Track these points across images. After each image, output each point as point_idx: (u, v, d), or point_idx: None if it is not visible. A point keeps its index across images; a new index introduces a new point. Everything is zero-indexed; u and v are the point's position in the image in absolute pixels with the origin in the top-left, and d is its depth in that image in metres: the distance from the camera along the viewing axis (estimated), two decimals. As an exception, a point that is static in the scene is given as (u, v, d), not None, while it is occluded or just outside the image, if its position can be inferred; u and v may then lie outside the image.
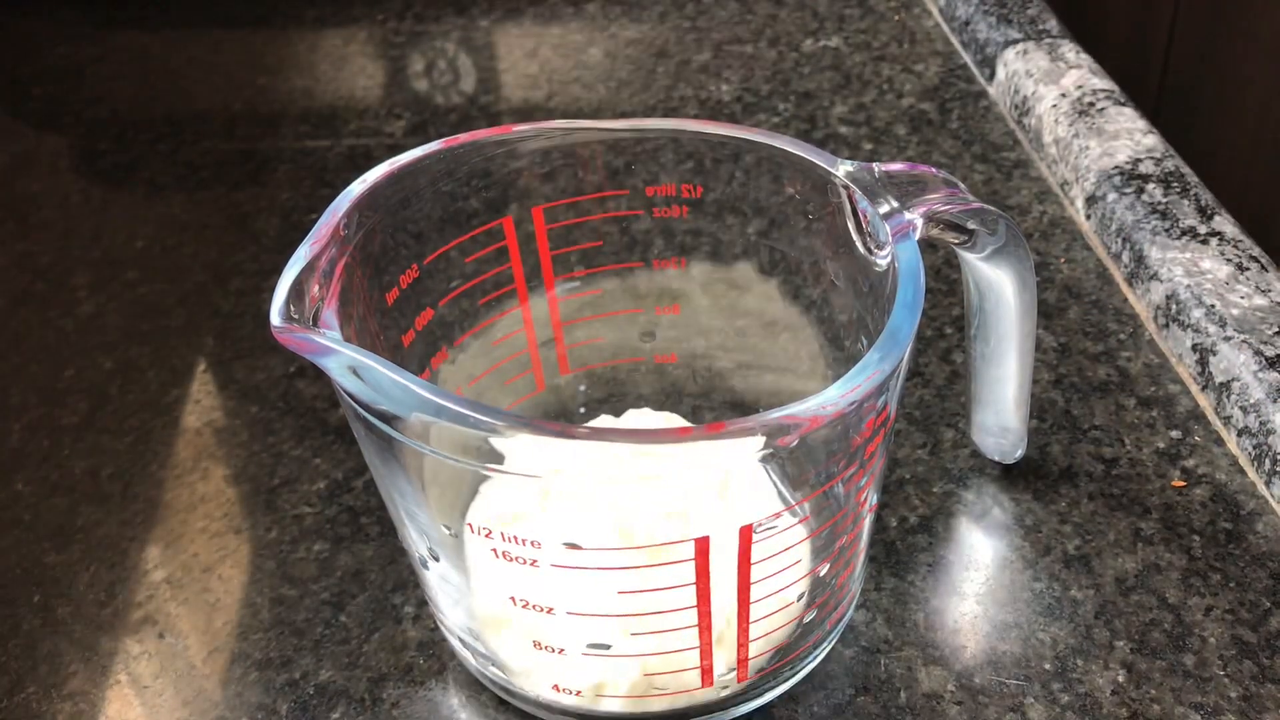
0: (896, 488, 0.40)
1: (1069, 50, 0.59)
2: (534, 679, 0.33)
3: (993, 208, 0.33)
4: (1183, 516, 0.39)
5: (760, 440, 0.27)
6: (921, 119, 0.60)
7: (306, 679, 0.36)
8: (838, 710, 0.34)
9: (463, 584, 0.33)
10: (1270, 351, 0.41)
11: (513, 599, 0.31)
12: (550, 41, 0.68)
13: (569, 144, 0.36)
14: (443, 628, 0.35)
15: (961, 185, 0.33)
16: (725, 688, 0.33)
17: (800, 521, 0.32)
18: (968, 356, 0.38)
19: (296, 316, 0.28)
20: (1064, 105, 0.55)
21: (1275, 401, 0.39)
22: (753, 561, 0.30)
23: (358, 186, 0.32)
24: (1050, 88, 0.56)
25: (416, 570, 0.34)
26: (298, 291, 0.29)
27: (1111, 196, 0.50)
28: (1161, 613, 0.36)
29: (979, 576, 0.38)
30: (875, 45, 0.66)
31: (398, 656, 0.36)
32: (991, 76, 0.61)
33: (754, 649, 0.32)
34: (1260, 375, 0.40)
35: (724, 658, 0.32)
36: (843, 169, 0.33)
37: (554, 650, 0.32)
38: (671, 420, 0.39)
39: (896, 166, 0.33)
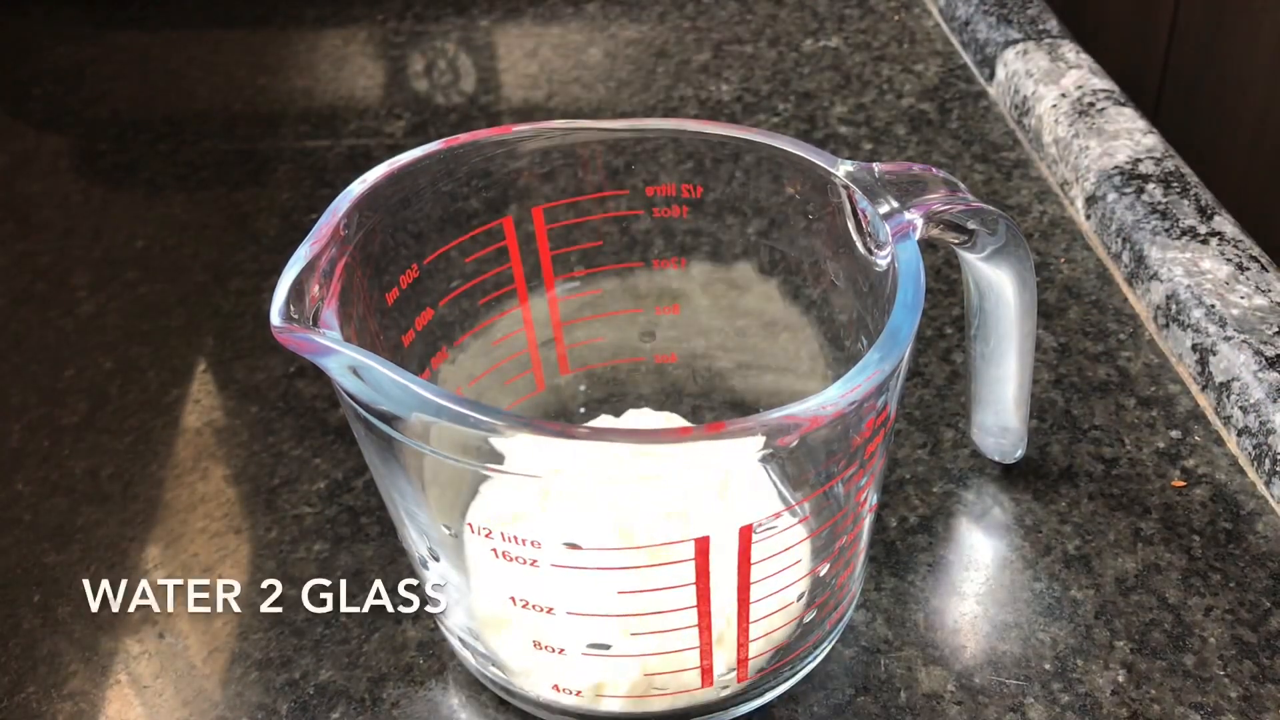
0: (896, 488, 0.40)
1: (1069, 50, 0.59)
2: (534, 679, 0.33)
3: (993, 208, 0.33)
4: (1183, 516, 0.39)
5: (760, 440, 0.27)
6: (921, 119, 0.60)
7: (306, 679, 0.36)
8: (838, 710, 0.34)
9: (463, 584, 0.33)
10: (1270, 351, 0.41)
11: (513, 599, 0.31)
12: (550, 41, 0.68)
13: (569, 144, 0.36)
14: (443, 628, 0.35)
15: (961, 185, 0.33)
16: (725, 688, 0.33)
17: (800, 521, 0.32)
18: (968, 356, 0.38)
19: (296, 316, 0.28)
20: (1064, 105, 0.55)
21: (1275, 401, 0.39)
22: (753, 561, 0.30)
23: (358, 186, 0.32)
24: (1050, 88, 0.56)
25: (416, 570, 0.34)
26: (298, 291, 0.29)
27: (1111, 196, 0.50)
28: (1161, 613, 0.36)
29: (979, 576, 0.38)
30: (875, 45, 0.66)
31: (398, 656, 0.36)
32: (991, 76, 0.61)
33: (754, 649, 0.32)
34: (1260, 375, 0.40)
35: (724, 658, 0.32)
36: (843, 169, 0.33)
37: (554, 650, 0.32)
38: (671, 420, 0.39)
39: (896, 166, 0.33)
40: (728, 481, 0.34)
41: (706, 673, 0.32)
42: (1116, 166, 0.51)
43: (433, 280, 0.36)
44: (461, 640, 0.34)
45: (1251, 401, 0.40)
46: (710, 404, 0.42)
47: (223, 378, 0.47)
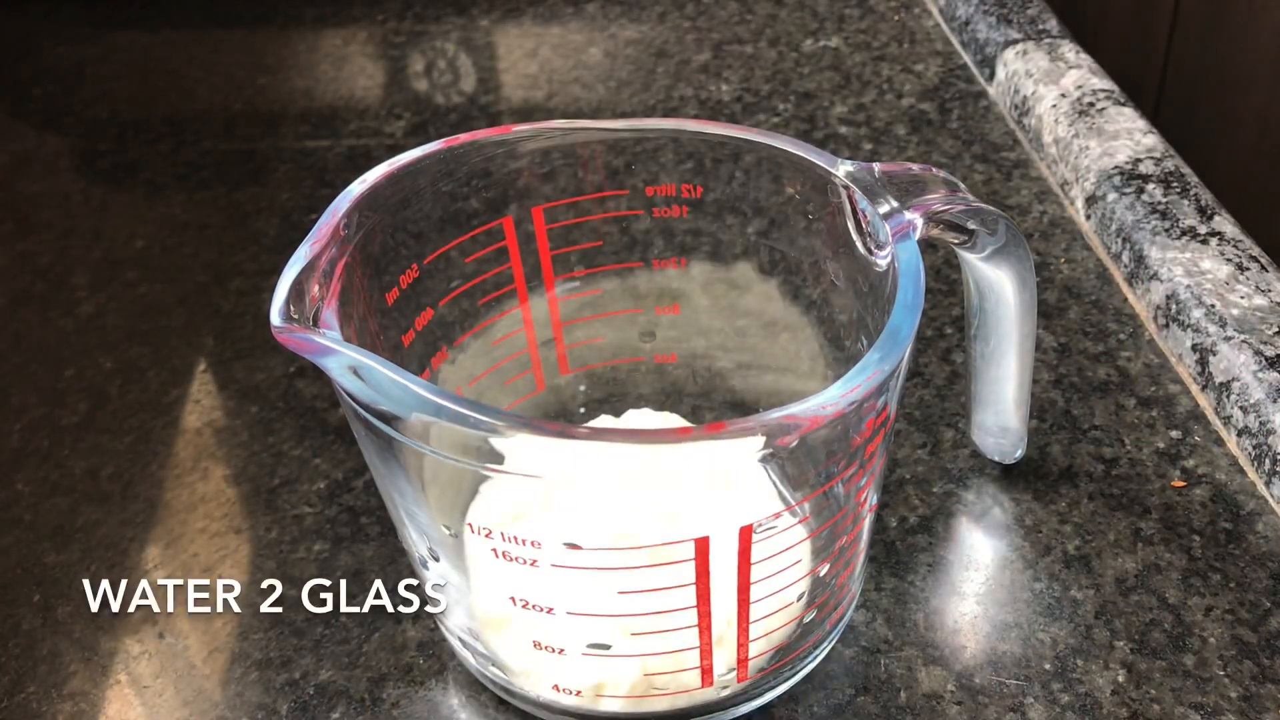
0: (896, 488, 0.40)
1: (1069, 50, 0.59)
2: (534, 679, 0.33)
3: (993, 208, 0.33)
4: (1183, 516, 0.39)
5: (760, 440, 0.27)
6: (921, 119, 0.60)
7: (306, 679, 0.36)
8: (838, 710, 0.34)
9: (463, 584, 0.33)
10: (1270, 351, 0.41)
11: (513, 599, 0.31)
12: (550, 41, 0.68)
13: (569, 144, 0.36)
14: (443, 628, 0.35)
15: (961, 185, 0.33)
16: (725, 688, 0.33)
17: (800, 521, 0.32)
18: (968, 356, 0.38)
19: (296, 316, 0.28)
20: (1064, 105, 0.55)
21: (1275, 401, 0.39)
22: (753, 561, 0.30)
23: (358, 186, 0.32)
24: (1050, 88, 0.56)
25: (416, 570, 0.34)
26: (298, 291, 0.29)
27: (1111, 196, 0.50)
28: (1161, 613, 0.36)
29: (979, 576, 0.38)
30: (875, 45, 0.66)
31: (398, 656, 0.36)
32: (991, 76, 0.61)
33: (754, 649, 0.32)
34: (1260, 375, 0.40)
35: (724, 658, 0.32)
36: (843, 169, 0.33)
37: (554, 650, 0.32)
38: (671, 420, 0.39)
39: (896, 166, 0.33)
40: (728, 482, 0.34)
41: (706, 673, 0.32)
42: (1116, 166, 0.51)
43: (433, 280, 0.36)
44: (461, 640, 0.34)
45: (1251, 402, 0.40)
46: (710, 404, 0.42)
47: (223, 378, 0.47)
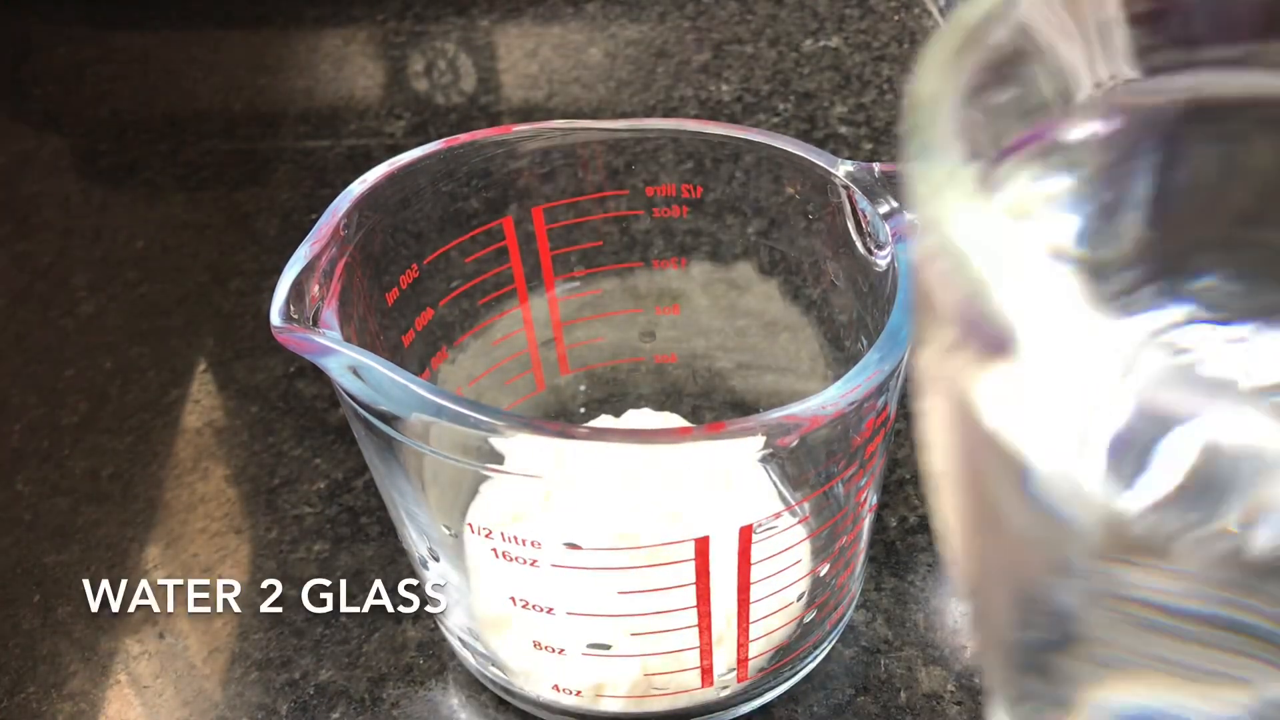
0: (896, 488, 0.40)
1: (1069, 50, 0.59)
2: (534, 679, 0.33)
3: (993, 208, 0.33)
4: (1183, 516, 0.39)
5: (760, 440, 0.27)
6: (921, 119, 0.60)
7: (306, 679, 0.36)
8: (838, 710, 0.34)
9: (463, 584, 0.33)
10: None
11: (513, 599, 0.31)
12: (550, 41, 0.68)
13: (569, 144, 0.36)
14: (443, 628, 0.35)
15: (961, 185, 0.33)
16: (725, 688, 0.33)
17: (800, 521, 0.32)
18: (968, 356, 0.38)
19: (296, 316, 0.28)
20: (1064, 105, 0.55)
21: (1275, 401, 0.39)
22: (753, 561, 0.30)
23: (358, 186, 0.32)
24: (1050, 88, 0.56)
25: (416, 570, 0.34)
26: (298, 291, 0.29)
27: (1111, 196, 0.50)
28: (1161, 613, 0.36)
29: (979, 576, 0.38)
30: (875, 45, 0.66)
31: (398, 656, 0.36)
32: (991, 76, 0.61)
33: (754, 649, 0.32)
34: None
35: (724, 658, 0.32)
36: (843, 169, 0.33)
37: (554, 650, 0.32)
38: (671, 420, 0.39)
39: (896, 167, 0.33)
40: (728, 482, 0.34)
41: (706, 673, 0.32)
42: (1116, 166, 0.51)
43: (433, 280, 0.36)
44: (461, 640, 0.34)
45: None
46: (710, 404, 0.42)
47: (223, 378, 0.47)
